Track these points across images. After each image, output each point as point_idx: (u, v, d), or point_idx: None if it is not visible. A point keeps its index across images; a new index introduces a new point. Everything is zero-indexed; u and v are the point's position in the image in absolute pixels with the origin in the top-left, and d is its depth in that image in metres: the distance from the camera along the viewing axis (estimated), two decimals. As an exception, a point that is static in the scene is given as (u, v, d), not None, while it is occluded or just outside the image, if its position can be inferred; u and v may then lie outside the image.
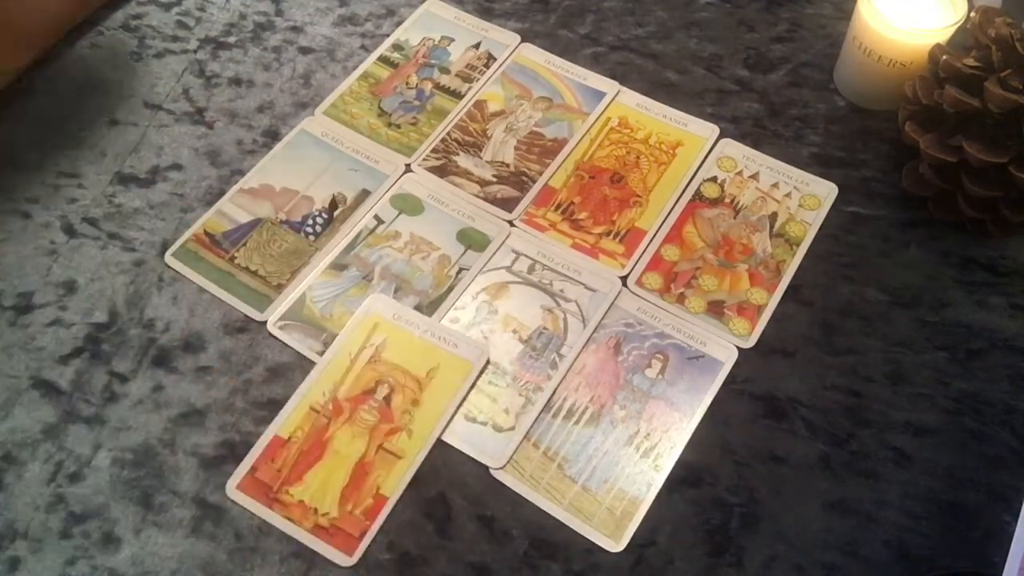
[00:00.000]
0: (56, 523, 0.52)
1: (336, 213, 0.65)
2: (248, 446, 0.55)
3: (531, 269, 0.62)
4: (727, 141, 0.68)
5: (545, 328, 0.60)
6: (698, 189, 0.66)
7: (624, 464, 0.54)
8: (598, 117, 0.70)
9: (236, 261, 0.62)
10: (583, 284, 0.61)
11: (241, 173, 0.67)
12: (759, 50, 0.74)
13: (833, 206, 0.65)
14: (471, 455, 0.55)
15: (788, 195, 0.65)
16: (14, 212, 0.64)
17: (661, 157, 0.68)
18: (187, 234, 0.63)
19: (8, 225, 0.63)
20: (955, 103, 0.58)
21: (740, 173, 0.67)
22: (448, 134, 0.69)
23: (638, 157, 0.68)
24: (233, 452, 0.55)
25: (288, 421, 0.56)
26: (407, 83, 0.72)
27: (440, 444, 0.55)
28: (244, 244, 0.63)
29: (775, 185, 0.66)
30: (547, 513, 0.53)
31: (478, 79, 0.72)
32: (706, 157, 0.68)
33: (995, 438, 0.55)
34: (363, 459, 0.54)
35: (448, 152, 0.68)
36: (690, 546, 0.52)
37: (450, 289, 0.61)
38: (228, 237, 0.63)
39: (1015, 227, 0.61)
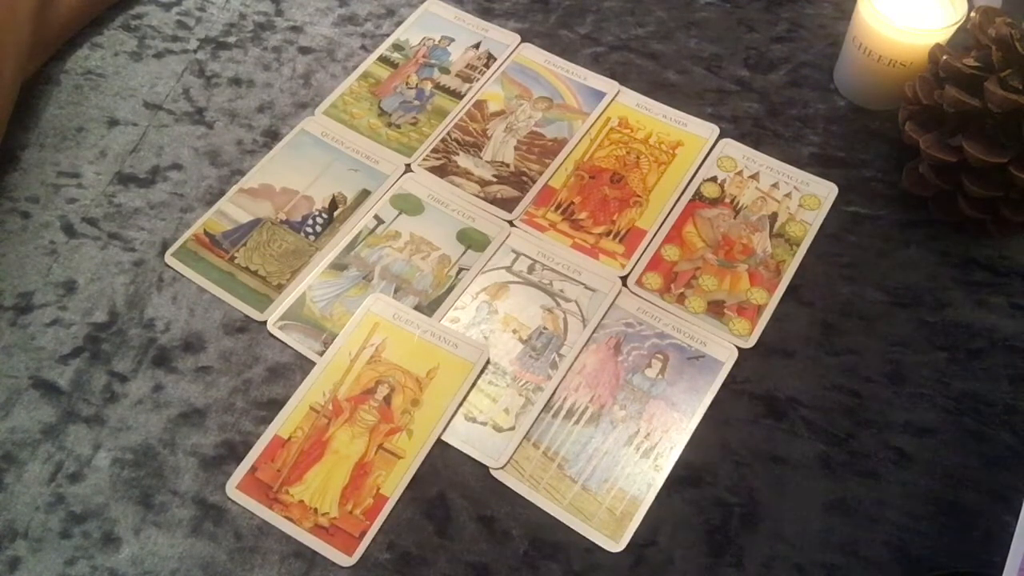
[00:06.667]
0: (56, 523, 0.52)
1: (336, 213, 0.65)
2: (248, 446, 0.55)
3: (531, 269, 0.62)
4: (727, 141, 0.68)
5: (545, 328, 0.60)
6: (698, 189, 0.66)
7: (624, 464, 0.54)
8: (598, 117, 0.70)
9: (236, 261, 0.62)
10: (583, 284, 0.61)
11: (241, 173, 0.67)
12: (759, 50, 0.74)
13: (833, 206, 0.65)
14: (471, 455, 0.55)
15: (788, 195, 0.65)
16: (14, 212, 0.64)
17: (661, 157, 0.68)
18: (187, 234, 0.63)
19: (8, 225, 0.63)
20: (955, 103, 0.58)
21: (740, 173, 0.67)
22: (448, 134, 0.69)
23: (638, 157, 0.68)
24: (233, 452, 0.55)
25: (288, 421, 0.56)
26: (407, 83, 0.72)
27: (440, 444, 0.55)
28: (244, 244, 0.63)
29: (775, 185, 0.66)
30: (547, 513, 0.53)
31: (478, 79, 0.72)
32: (706, 157, 0.68)
33: (995, 438, 0.55)
34: (363, 459, 0.54)
35: (448, 152, 0.68)
36: (690, 546, 0.52)
37: (450, 289, 0.61)
38: (228, 237, 0.63)
39: (1015, 227, 0.61)
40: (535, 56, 0.73)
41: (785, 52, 0.74)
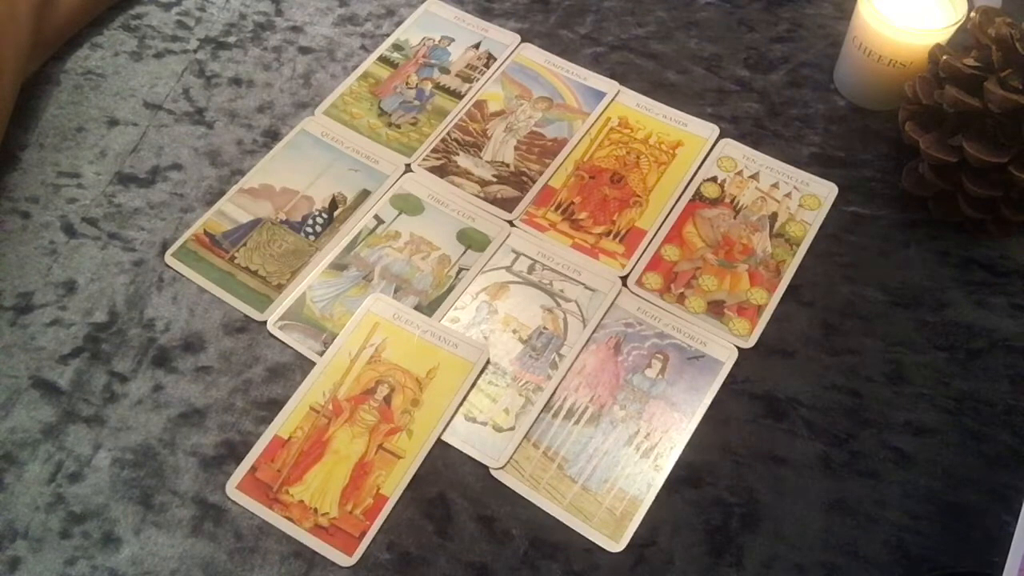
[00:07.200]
0: (56, 523, 0.52)
1: (336, 213, 0.65)
2: (248, 446, 0.55)
3: (531, 269, 0.62)
4: (727, 141, 0.68)
5: (545, 328, 0.60)
6: (698, 189, 0.66)
7: (624, 464, 0.54)
8: (598, 117, 0.70)
9: (236, 261, 0.62)
10: (583, 284, 0.61)
11: (241, 173, 0.67)
12: (759, 50, 0.74)
13: (833, 206, 0.65)
14: (471, 455, 0.55)
15: (788, 195, 0.65)
16: (14, 212, 0.64)
17: (661, 157, 0.68)
18: (187, 234, 0.63)
19: (8, 225, 0.63)
20: (955, 103, 0.58)
21: (740, 173, 0.67)
22: (448, 134, 0.69)
23: (638, 157, 0.68)
24: (233, 452, 0.55)
25: (288, 421, 0.56)
26: (407, 83, 0.72)
27: (440, 444, 0.55)
28: (244, 244, 0.63)
29: (775, 185, 0.66)
30: (547, 513, 0.53)
31: (478, 79, 0.72)
32: (706, 157, 0.68)
33: (995, 438, 0.55)
34: (363, 459, 0.54)
35: (448, 152, 0.68)
36: (690, 546, 0.52)
37: (450, 289, 0.61)
38: (228, 237, 0.63)
39: (1015, 227, 0.61)
40: (535, 56, 0.73)
41: (785, 52, 0.74)
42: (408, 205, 0.65)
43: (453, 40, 0.74)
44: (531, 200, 0.65)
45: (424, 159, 0.68)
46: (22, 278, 0.61)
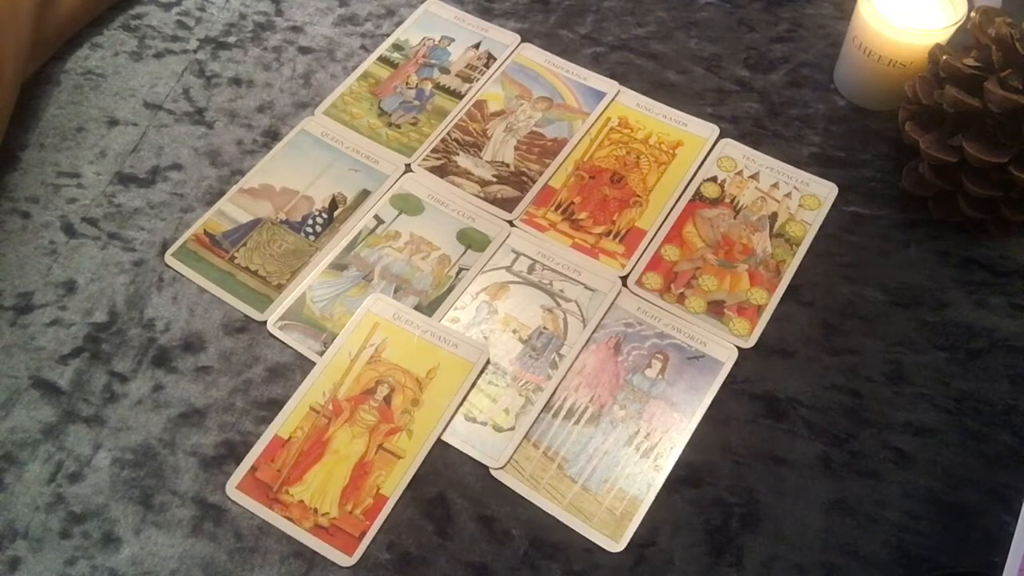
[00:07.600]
0: (56, 523, 0.52)
1: (336, 213, 0.65)
2: (248, 446, 0.55)
3: (531, 269, 0.62)
4: (727, 141, 0.68)
5: (545, 328, 0.60)
6: (698, 189, 0.66)
7: (624, 464, 0.54)
8: (598, 117, 0.70)
9: (236, 261, 0.62)
10: (583, 284, 0.61)
11: (241, 173, 0.67)
12: (759, 50, 0.74)
13: (833, 206, 0.65)
14: (471, 455, 0.55)
15: (788, 195, 0.65)
16: (14, 212, 0.64)
17: (661, 157, 0.68)
18: (187, 234, 0.63)
19: (8, 225, 0.63)
20: (955, 103, 0.58)
21: (740, 173, 0.67)
22: (448, 134, 0.69)
23: (638, 157, 0.68)
24: (233, 452, 0.55)
25: (288, 421, 0.56)
26: (407, 83, 0.72)
27: (440, 444, 0.55)
28: (244, 244, 0.63)
29: (775, 185, 0.66)
30: (547, 513, 0.53)
31: (478, 79, 0.72)
32: (706, 157, 0.68)
33: (995, 438, 0.55)
34: (363, 459, 0.54)
35: (448, 152, 0.68)
36: (690, 546, 0.52)
37: (450, 289, 0.61)
38: (228, 237, 0.63)
39: (1015, 227, 0.61)
40: (535, 56, 0.73)
41: (785, 52, 0.74)
42: (408, 205, 0.65)
43: (453, 40, 0.74)
44: (531, 200, 0.66)
45: (424, 159, 0.68)
46: (22, 278, 0.61)
